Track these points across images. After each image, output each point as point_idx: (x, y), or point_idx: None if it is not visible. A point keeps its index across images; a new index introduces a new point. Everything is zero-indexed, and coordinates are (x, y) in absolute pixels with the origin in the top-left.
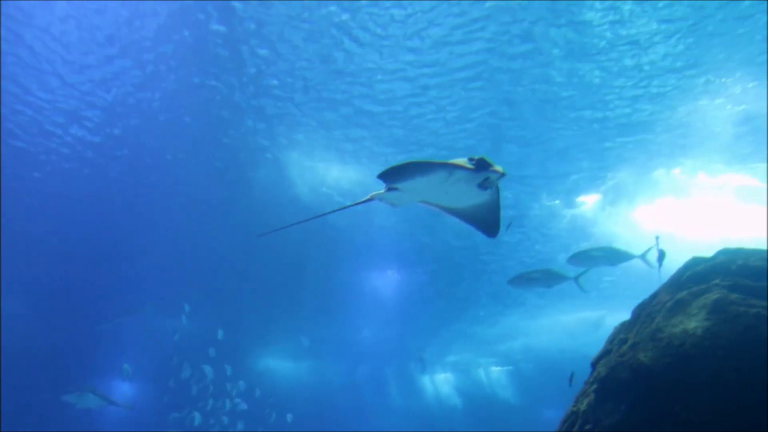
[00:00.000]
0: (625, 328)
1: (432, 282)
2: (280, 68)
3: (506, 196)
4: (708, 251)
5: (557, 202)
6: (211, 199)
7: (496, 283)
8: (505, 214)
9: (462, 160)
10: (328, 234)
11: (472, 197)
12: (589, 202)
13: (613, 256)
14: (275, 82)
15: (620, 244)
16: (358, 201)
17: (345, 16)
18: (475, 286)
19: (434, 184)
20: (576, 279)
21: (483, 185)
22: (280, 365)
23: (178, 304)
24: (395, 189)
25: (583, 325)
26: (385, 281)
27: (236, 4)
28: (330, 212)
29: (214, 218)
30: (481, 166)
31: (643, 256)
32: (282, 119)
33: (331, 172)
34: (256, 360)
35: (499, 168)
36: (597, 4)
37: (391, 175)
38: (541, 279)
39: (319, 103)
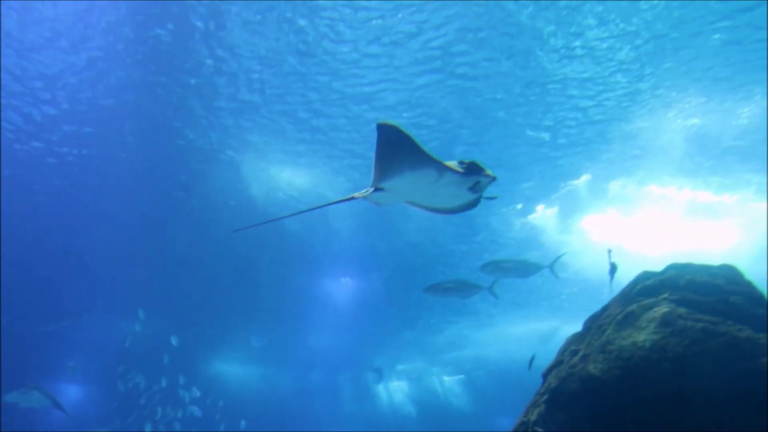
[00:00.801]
0: (576, 339)
1: (386, 289)
2: (237, 71)
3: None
4: (659, 265)
5: (511, 209)
6: (164, 200)
7: None
8: (459, 221)
9: (452, 163)
10: (283, 238)
11: (459, 199)
12: (541, 211)
13: (524, 268)
14: (231, 85)
15: (571, 254)
16: (342, 198)
17: (303, 22)
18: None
19: (422, 185)
20: (489, 288)
21: (473, 189)
22: (232, 370)
23: (127, 306)
24: (381, 189)
25: (536, 336)
26: (339, 287)
27: (193, 3)
28: (313, 208)
29: (167, 220)
30: (472, 170)
31: (550, 267)
32: (238, 122)
33: (287, 174)
34: (207, 365)
35: (489, 172)
36: (545, 25)
37: (386, 139)
38: (456, 288)
39: (277, 106)
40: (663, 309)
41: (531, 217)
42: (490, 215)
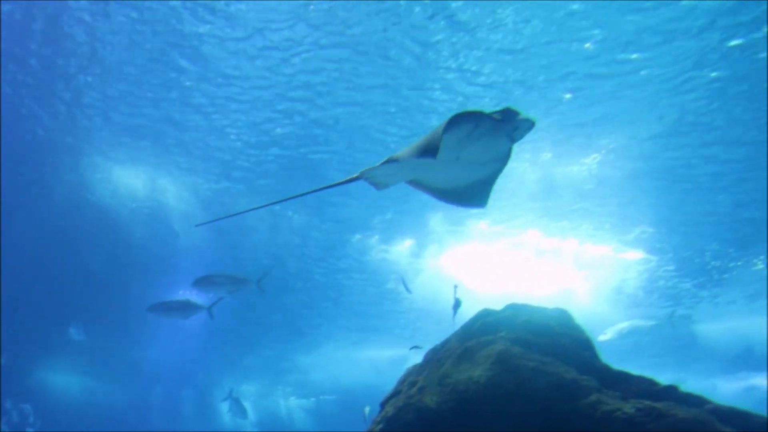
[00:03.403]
0: (416, 370)
1: (231, 306)
2: (92, 71)
3: (318, 235)
4: (500, 303)
5: (371, 240)
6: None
7: (301, 314)
8: (311, 244)
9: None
10: (125, 246)
11: (493, 155)
12: (402, 242)
13: (232, 282)
14: (74, 81)
15: (426, 287)
16: (344, 180)
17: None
18: (275, 315)
19: (449, 143)
20: (209, 310)
21: (512, 136)
22: (58, 381)
23: None
24: (395, 161)
25: (386, 362)
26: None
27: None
28: (312, 191)
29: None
30: (509, 115)
31: (258, 282)
32: (88, 124)
33: (132, 179)
34: (28, 375)
35: (527, 116)
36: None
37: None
38: (179, 308)
39: (127, 111)
40: (499, 347)
41: (387, 246)
42: (344, 242)
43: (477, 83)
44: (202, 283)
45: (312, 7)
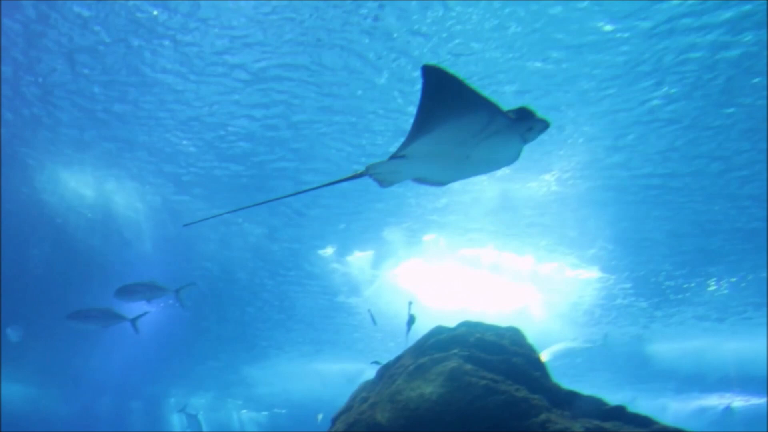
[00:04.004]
0: (368, 386)
1: (181, 317)
2: (58, 79)
3: (271, 245)
4: (455, 319)
5: (324, 251)
6: None
7: (252, 326)
8: (262, 256)
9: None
10: (74, 254)
11: (503, 154)
12: (354, 255)
13: (153, 291)
14: (37, 89)
15: (381, 301)
16: (350, 175)
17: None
18: (225, 327)
19: (461, 139)
20: (132, 321)
21: (525, 137)
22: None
23: None
24: (402, 156)
25: (342, 377)
26: (133, 310)
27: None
28: (314, 188)
29: None
30: (524, 114)
31: (176, 292)
32: (45, 131)
33: (84, 185)
34: None
35: (543, 117)
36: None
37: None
38: (99, 317)
39: (84, 121)
40: (452, 364)
41: (340, 257)
42: (297, 253)
43: None
44: (123, 292)
45: (272, 21)
